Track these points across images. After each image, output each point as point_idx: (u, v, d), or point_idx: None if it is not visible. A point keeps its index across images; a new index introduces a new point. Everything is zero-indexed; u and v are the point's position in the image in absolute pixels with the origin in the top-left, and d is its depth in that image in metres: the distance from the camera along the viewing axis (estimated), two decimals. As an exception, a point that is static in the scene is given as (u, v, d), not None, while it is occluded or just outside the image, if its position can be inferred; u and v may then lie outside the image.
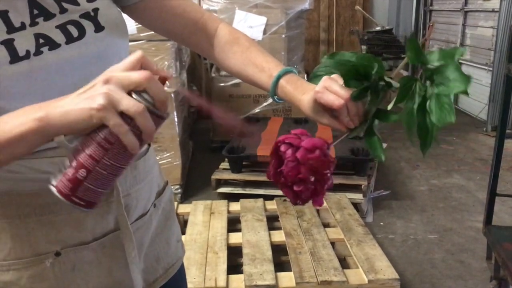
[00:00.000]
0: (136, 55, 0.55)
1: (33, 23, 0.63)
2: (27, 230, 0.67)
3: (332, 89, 0.67)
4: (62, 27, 0.66)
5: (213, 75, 4.09)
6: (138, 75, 0.53)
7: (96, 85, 0.52)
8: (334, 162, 0.68)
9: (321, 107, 0.70)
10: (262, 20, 3.87)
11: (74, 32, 0.67)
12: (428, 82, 0.64)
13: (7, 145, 0.53)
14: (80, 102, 0.52)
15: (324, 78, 0.69)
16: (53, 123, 0.52)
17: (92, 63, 0.68)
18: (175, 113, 3.06)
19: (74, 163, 0.53)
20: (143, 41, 2.91)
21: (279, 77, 0.76)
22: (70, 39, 0.66)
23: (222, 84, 4.01)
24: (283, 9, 3.94)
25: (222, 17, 3.90)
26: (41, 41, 0.63)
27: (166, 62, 3.02)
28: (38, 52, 0.63)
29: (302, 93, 0.73)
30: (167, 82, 0.57)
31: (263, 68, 0.80)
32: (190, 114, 4.49)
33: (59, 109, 0.52)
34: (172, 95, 3.02)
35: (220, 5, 3.94)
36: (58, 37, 0.65)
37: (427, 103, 0.63)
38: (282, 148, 0.67)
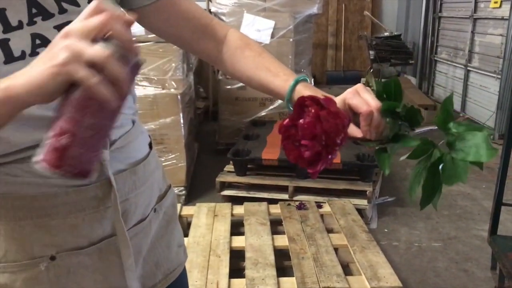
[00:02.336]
0: (92, 3, 0.50)
1: (31, 22, 0.62)
2: (22, 233, 0.67)
3: (363, 95, 0.68)
4: (60, 28, 0.64)
5: (220, 77, 4.10)
6: (97, 19, 0.49)
7: (55, 43, 0.49)
8: (347, 139, 0.67)
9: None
10: (270, 23, 3.87)
11: None
12: (447, 148, 0.63)
13: None
14: (42, 64, 0.48)
15: (358, 84, 0.70)
16: (18, 91, 0.49)
17: None
18: (181, 115, 3.07)
19: (56, 131, 0.50)
20: (151, 42, 2.92)
21: (297, 82, 0.76)
22: None
23: (228, 87, 4.02)
24: (292, 13, 3.94)
25: (230, 20, 3.91)
26: (37, 41, 0.62)
27: (173, 64, 3.03)
28: (34, 53, 0.62)
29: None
30: (131, 25, 0.53)
31: (278, 73, 0.79)
32: (196, 115, 4.50)
33: (22, 77, 0.49)
34: (179, 96, 3.03)
35: (229, 8, 3.94)
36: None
37: (440, 165, 0.62)
38: (308, 102, 0.65)
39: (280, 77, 0.78)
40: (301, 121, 0.64)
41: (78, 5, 0.67)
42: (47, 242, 0.68)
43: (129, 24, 0.52)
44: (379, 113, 0.67)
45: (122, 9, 0.51)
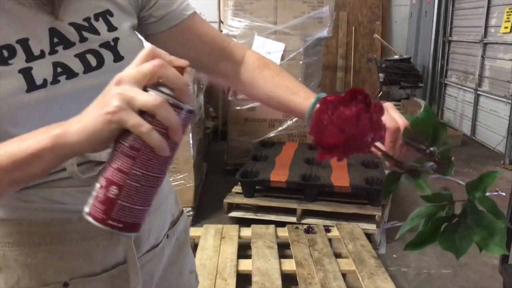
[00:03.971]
0: (146, 49, 0.51)
1: (53, 51, 0.64)
2: (36, 259, 0.67)
3: (392, 112, 0.67)
4: (81, 56, 0.66)
5: (229, 98, 4.12)
6: (149, 65, 0.48)
7: (108, 90, 0.49)
8: (369, 150, 0.63)
9: None
10: (281, 46, 3.90)
11: (93, 61, 0.67)
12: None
13: (23, 163, 0.51)
14: (95, 112, 0.48)
15: (387, 103, 0.69)
16: (70, 139, 0.49)
17: None
18: (190, 135, 3.08)
19: (103, 182, 0.49)
20: (162, 63, 2.94)
21: (318, 99, 0.75)
22: (88, 69, 0.66)
23: (238, 108, 4.03)
24: (302, 36, 3.97)
25: (241, 42, 3.95)
26: (59, 70, 0.63)
27: (183, 85, 3.05)
28: (55, 81, 0.63)
29: None
30: (186, 71, 0.52)
31: (298, 91, 0.79)
32: (205, 135, 4.51)
33: (76, 124, 0.49)
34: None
35: (240, 30, 3.99)
36: (76, 66, 0.65)
37: (444, 225, 0.59)
38: (360, 97, 0.61)
39: (300, 96, 0.79)
40: (342, 108, 0.61)
41: (98, 33, 0.68)
42: (61, 268, 0.68)
43: (181, 69, 0.51)
44: (403, 138, 0.66)
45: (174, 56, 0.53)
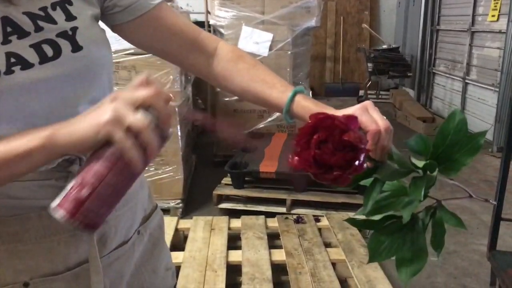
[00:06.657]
0: (141, 76, 0.57)
1: (6, 41, 0.60)
2: None
3: (372, 113, 0.65)
4: (36, 46, 0.63)
5: (218, 89, 4.10)
6: (144, 92, 0.55)
7: (103, 104, 0.54)
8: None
9: None
10: (268, 36, 3.88)
11: (49, 51, 0.64)
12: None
13: (11, 162, 0.54)
14: (87, 120, 0.53)
15: (367, 101, 0.68)
16: (59, 141, 0.53)
17: (68, 84, 0.65)
18: (178, 127, 3.06)
19: (77, 183, 0.53)
20: (149, 54, 2.90)
21: (295, 93, 0.73)
22: (44, 59, 0.63)
23: (227, 99, 4.01)
24: (290, 26, 3.95)
25: (228, 33, 3.92)
26: (13, 60, 0.60)
27: (171, 76, 3.02)
28: (9, 71, 0.59)
29: (322, 108, 0.71)
30: (170, 102, 0.59)
31: (274, 84, 0.77)
32: (194, 128, 4.49)
33: (66, 128, 0.54)
34: (176, 109, 3.02)
35: (227, 21, 3.95)
36: (31, 56, 0.62)
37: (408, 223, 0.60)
38: (353, 125, 0.61)
39: (277, 89, 0.76)
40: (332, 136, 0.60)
41: (55, 22, 0.65)
42: (20, 267, 0.66)
43: (168, 100, 0.57)
44: (387, 133, 0.65)
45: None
